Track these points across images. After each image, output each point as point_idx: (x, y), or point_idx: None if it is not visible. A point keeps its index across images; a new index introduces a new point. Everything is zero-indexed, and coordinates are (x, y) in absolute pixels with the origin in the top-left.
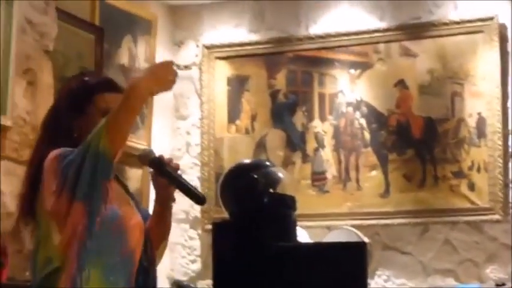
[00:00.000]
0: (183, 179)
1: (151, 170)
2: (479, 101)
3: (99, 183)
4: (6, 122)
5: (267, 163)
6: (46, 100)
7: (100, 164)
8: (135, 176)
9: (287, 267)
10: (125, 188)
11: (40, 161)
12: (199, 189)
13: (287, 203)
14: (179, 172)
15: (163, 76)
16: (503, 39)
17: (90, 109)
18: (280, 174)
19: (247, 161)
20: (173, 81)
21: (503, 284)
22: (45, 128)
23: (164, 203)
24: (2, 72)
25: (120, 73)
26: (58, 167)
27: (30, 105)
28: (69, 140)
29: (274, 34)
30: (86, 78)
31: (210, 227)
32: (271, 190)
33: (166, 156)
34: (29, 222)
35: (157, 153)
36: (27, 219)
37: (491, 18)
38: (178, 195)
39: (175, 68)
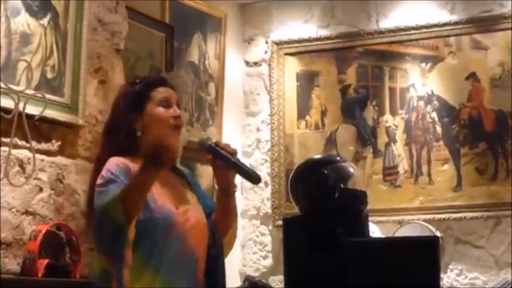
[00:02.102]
0: (238, 160)
1: (209, 155)
2: None
3: (119, 252)
4: (78, 121)
5: (338, 158)
6: None
7: (118, 235)
8: (206, 173)
9: (359, 262)
10: (185, 184)
11: (102, 166)
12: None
13: (358, 198)
14: (238, 157)
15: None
16: None
17: (148, 106)
18: (351, 169)
19: (317, 156)
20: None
21: None
22: (107, 134)
23: (226, 190)
24: (74, 71)
25: (190, 71)
26: (95, 199)
27: (101, 104)
28: (133, 141)
29: (343, 29)
30: (139, 80)
31: (280, 222)
32: (342, 185)
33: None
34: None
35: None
36: (89, 221)
37: None
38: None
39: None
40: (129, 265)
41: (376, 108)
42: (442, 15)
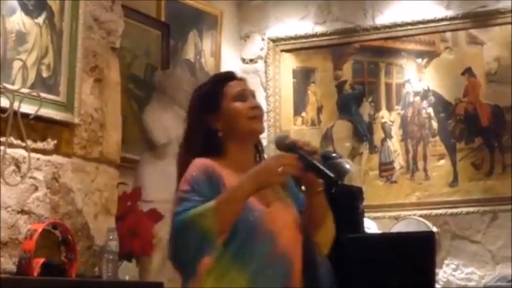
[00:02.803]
0: (315, 160)
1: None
2: None
3: (199, 261)
4: (74, 119)
5: (334, 154)
6: (113, 97)
7: (205, 245)
8: None
9: (356, 258)
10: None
11: (182, 166)
12: None
13: (354, 194)
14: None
15: (274, 171)
16: None
17: (224, 102)
18: (348, 166)
19: None
20: (281, 177)
21: None
22: (188, 140)
23: (310, 188)
24: (69, 70)
25: (186, 68)
26: (175, 204)
27: (97, 102)
28: (215, 142)
29: (339, 25)
30: (208, 80)
31: None
32: (338, 181)
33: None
34: None
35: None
36: None
37: None
38: None
39: (292, 161)
40: (201, 275)
41: (372, 104)
42: (438, 11)
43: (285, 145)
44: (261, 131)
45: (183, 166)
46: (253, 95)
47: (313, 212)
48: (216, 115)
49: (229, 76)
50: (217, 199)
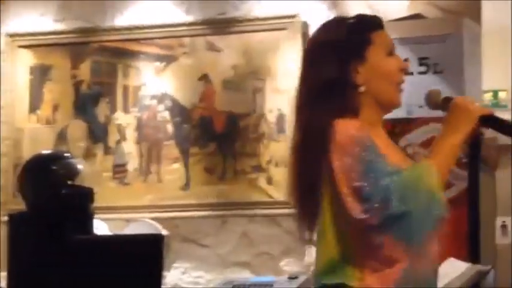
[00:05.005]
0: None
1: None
2: (279, 97)
3: (427, 231)
4: None
5: (66, 154)
6: None
7: (435, 207)
8: None
9: (84, 260)
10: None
11: (319, 128)
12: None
13: (85, 195)
14: None
15: (470, 109)
16: (305, 37)
17: (371, 53)
18: (80, 166)
19: (46, 152)
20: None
21: (296, 277)
22: (323, 91)
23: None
24: None
25: None
26: (360, 166)
27: None
28: (355, 98)
29: (79, 24)
30: (352, 20)
31: (6, 218)
32: (69, 182)
33: None
34: (310, 201)
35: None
36: (308, 198)
37: (294, 16)
38: None
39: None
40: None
41: (109, 105)
42: (178, 15)
43: (443, 99)
44: (399, 106)
45: (318, 129)
46: None
47: None
48: (359, 66)
49: (379, 23)
50: (431, 157)
